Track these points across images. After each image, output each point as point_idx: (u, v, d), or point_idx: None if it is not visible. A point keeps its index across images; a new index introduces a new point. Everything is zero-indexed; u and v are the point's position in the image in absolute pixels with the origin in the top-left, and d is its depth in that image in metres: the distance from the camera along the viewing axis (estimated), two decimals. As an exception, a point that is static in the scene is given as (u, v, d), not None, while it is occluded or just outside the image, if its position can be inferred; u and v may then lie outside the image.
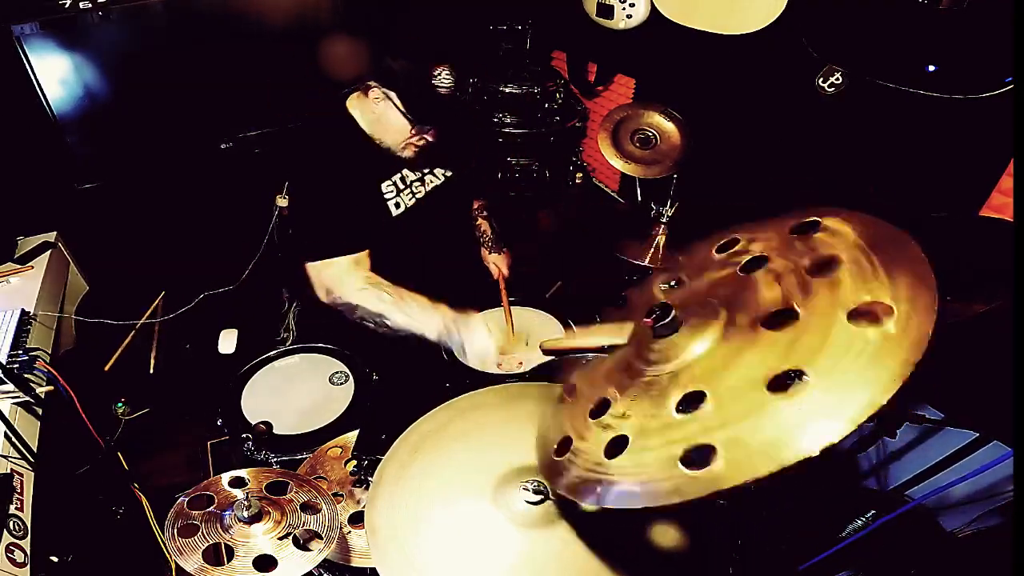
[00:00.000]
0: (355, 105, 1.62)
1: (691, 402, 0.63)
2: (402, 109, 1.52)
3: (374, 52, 1.54)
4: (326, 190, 1.58)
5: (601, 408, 0.74)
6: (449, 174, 1.81)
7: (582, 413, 0.76)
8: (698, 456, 0.58)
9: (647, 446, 0.64)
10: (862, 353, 0.54)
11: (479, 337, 1.47)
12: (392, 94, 1.51)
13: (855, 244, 0.63)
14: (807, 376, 0.55)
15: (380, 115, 1.56)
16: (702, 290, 0.75)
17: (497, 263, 1.91)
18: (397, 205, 1.68)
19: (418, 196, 1.72)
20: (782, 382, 0.57)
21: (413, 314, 1.52)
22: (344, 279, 1.55)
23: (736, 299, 0.68)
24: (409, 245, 1.69)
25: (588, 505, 0.72)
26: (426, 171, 1.75)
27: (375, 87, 1.53)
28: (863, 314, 0.56)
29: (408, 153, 1.62)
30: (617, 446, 0.66)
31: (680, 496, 0.57)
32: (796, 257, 0.67)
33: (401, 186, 1.69)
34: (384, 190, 1.65)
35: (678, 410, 0.64)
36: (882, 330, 0.54)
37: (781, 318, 0.62)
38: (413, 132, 1.56)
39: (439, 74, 1.45)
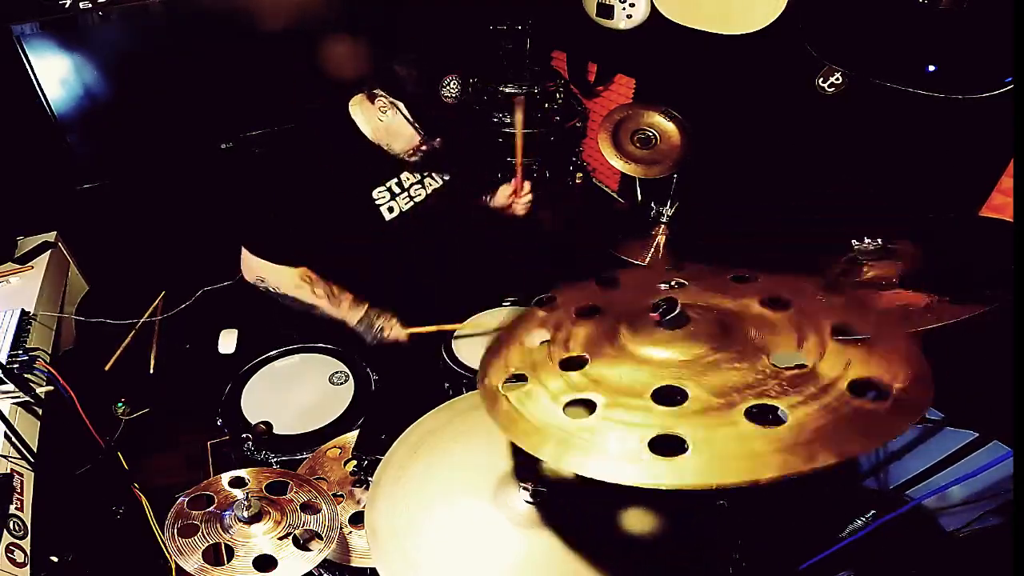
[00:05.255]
0: (358, 109, 1.60)
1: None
2: (410, 119, 1.51)
3: (377, 56, 1.52)
4: (313, 195, 1.55)
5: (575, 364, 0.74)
6: (447, 177, 1.80)
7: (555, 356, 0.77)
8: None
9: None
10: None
11: (392, 330, 1.65)
12: (400, 104, 1.49)
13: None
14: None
15: (388, 124, 1.54)
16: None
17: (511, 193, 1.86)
18: (391, 210, 1.67)
19: (416, 199, 1.72)
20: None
21: (342, 307, 1.62)
22: (282, 274, 1.58)
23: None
24: (404, 248, 1.69)
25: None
26: (425, 173, 1.75)
27: (381, 96, 1.51)
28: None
29: (414, 158, 1.63)
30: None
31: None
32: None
33: (397, 191, 1.68)
34: (375, 196, 1.64)
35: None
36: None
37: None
38: (421, 141, 1.56)
39: (448, 83, 1.44)
